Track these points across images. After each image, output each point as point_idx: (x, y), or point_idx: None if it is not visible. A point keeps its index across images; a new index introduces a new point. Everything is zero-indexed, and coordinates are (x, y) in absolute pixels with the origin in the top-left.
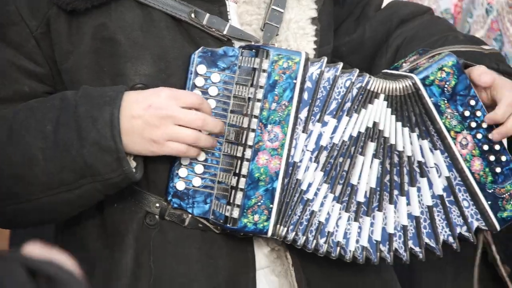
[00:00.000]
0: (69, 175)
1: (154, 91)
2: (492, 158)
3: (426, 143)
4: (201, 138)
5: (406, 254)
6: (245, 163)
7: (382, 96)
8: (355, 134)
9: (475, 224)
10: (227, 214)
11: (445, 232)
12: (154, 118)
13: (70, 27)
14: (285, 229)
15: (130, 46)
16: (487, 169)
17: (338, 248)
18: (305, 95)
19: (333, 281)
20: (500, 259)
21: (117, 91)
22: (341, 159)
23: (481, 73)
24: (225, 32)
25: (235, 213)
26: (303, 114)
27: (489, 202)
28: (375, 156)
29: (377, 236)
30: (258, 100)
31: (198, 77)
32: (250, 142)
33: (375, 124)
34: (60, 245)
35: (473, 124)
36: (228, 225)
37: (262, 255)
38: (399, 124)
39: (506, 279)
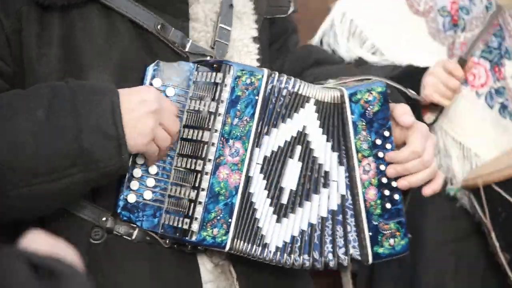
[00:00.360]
0: (61, 162)
1: (142, 87)
2: (386, 192)
3: (335, 156)
4: (175, 137)
5: (300, 260)
6: (205, 177)
7: (312, 100)
8: (288, 139)
9: (351, 251)
10: (185, 227)
11: (327, 248)
12: (147, 112)
13: (41, 29)
14: (243, 243)
15: (94, 54)
16: (378, 201)
17: (266, 250)
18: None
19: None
20: (500, 247)
21: (110, 85)
22: (276, 165)
23: (403, 113)
24: (187, 49)
25: (194, 226)
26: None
27: (370, 234)
28: (299, 159)
29: (287, 238)
30: (220, 115)
31: None
32: (210, 156)
33: (304, 127)
34: None
35: (380, 154)
36: (186, 238)
37: (205, 271)
38: (320, 130)
39: (506, 266)
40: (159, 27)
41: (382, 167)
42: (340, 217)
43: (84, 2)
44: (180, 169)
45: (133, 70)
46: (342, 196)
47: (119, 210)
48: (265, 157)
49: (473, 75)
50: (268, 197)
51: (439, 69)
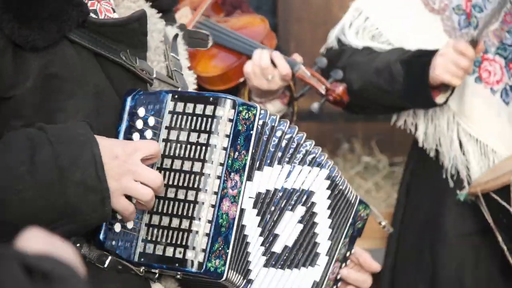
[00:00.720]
0: (47, 217)
1: (120, 142)
2: None
3: (328, 245)
4: (159, 190)
5: None
6: (210, 209)
7: (326, 171)
8: (288, 187)
9: None
10: (179, 256)
11: None
12: (117, 170)
13: (15, 62)
14: (236, 274)
15: (73, 82)
16: None
17: (249, 285)
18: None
19: None
20: (508, 249)
21: (86, 130)
22: (272, 208)
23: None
24: (154, 76)
25: (200, 257)
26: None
27: None
28: (300, 221)
29: None
30: (225, 149)
31: (139, 120)
32: (215, 189)
33: (311, 193)
34: None
35: (343, 266)
36: (189, 268)
37: None
38: (328, 212)
39: None
40: (123, 57)
41: (338, 276)
42: None
43: (57, 42)
44: (165, 199)
45: (109, 98)
46: (315, 282)
47: (101, 237)
48: (258, 193)
49: (488, 72)
50: (261, 235)
51: (450, 49)
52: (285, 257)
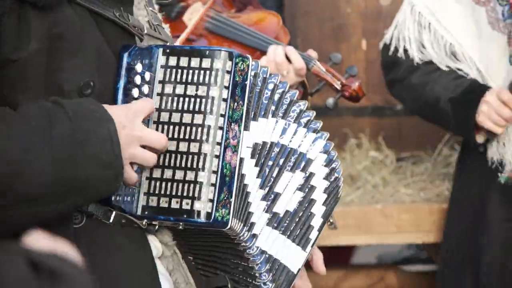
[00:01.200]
0: (58, 190)
1: (123, 109)
2: None
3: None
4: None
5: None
6: (215, 160)
7: (322, 144)
8: (285, 144)
9: None
10: (198, 207)
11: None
12: (126, 139)
13: (21, 24)
14: (238, 223)
15: (75, 42)
16: None
17: (254, 240)
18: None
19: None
20: None
21: (98, 106)
22: (270, 162)
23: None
24: (145, 32)
25: (208, 207)
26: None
27: None
28: (300, 189)
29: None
30: (226, 100)
31: (137, 76)
32: (219, 139)
33: (309, 160)
34: None
35: None
36: (195, 219)
37: (155, 248)
38: (324, 196)
39: None
40: (117, 14)
41: None
42: None
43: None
44: (166, 152)
45: (108, 55)
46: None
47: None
48: (255, 144)
49: None
50: (261, 188)
51: (493, 97)
52: (286, 223)
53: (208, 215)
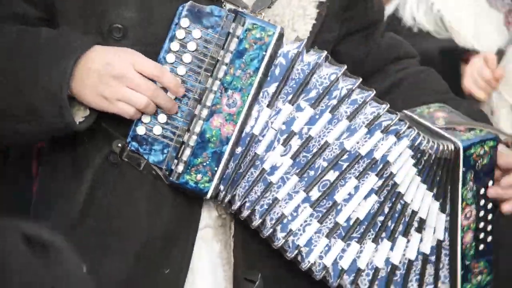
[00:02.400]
0: (14, 112)
1: (117, 50)
2: (481, 235)
3: (437, 205)
4: (157, 99)
5: None
6: (199, 122)
7: (406, 142)
8: (350, 149)
9: (440, 286)
10: (172, 167)
11: (412, 285)
12: (108, 76)
13: None
14: (234, 197)
15: None
16: (473, 244)
17: (296, 251)
18: (277, 71)
19: (269, 266)
20: None
21: (85, 43)
22: (324, 164)
23: (509, 160)
24: None
25: (180, 168)
26: (271, 89)
27: (462, 272)
28: (375, 192)
29: (344, 264)
30: (225, 64)
31: (180, 30)
32: (208, 103)
33: (387, 162)
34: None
35: (482, 202)
36: (171, 178)
37: (208, 216)
38: (419, 178)
39: None
40: None
41: (481, 213)
42: (433, 258)
43: None
44: (191, 111)
45: (160, 8)
46: (439, 240)
47: (128, 140)
48: (291, 131)
49: None
50: (304, 191)
51: (478, 60)
52: (358, 230)
53: (178, 175)
